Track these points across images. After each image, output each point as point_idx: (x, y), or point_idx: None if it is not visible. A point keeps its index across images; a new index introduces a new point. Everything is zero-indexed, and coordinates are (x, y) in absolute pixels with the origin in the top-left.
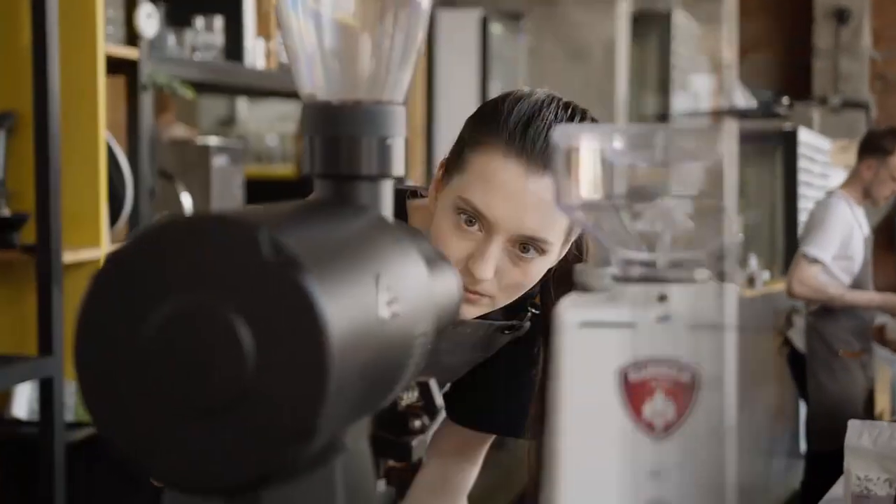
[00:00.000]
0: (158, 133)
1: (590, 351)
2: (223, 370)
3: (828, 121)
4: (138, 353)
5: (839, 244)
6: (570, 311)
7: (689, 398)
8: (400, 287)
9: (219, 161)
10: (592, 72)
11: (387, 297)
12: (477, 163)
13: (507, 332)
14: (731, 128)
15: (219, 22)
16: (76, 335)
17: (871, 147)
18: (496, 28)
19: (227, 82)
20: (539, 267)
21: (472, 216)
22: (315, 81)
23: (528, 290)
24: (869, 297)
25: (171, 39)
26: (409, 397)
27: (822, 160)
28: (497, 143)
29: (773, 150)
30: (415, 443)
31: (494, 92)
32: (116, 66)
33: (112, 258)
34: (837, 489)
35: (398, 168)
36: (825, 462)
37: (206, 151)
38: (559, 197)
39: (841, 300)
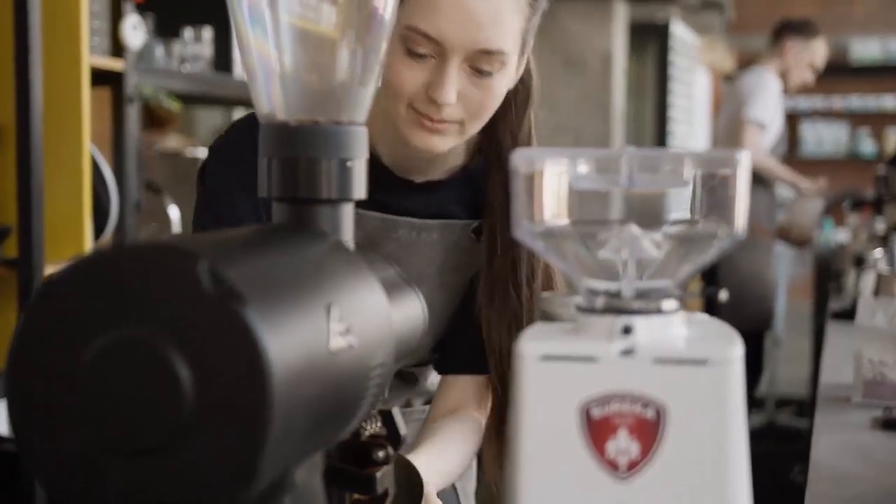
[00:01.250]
0: (152, 144)
1: (551, 385)
2: (160, 407)
3: (686, 19)
4: (72, 386)
5: (772, 110)
6: (530, 343)
7: (654, 436)
8: (355, 317)
9: None
10: (590, 83)
11: (339, 327)
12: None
13: (473, 234)
14: (623, 10)
15: (207, 33)
16: (8, 364)
17: (796, 28)
18: None
19: (216, 94)
20: (500, 84)
21: (421, 44)
22: (273, 100)
23: (494, 109)
24: (793, 176)
25: (160, 50)
26: (373, 427)
27: (690, 56)
28: None
29: (645, 41)
30: (379, 474)
31: None
32: (102, 77)
33: (47, 285)
34: (842, 378)
35: (359, 191)
36: None
37: (195, 164)
38: (518, 223)
39: (779, 173)
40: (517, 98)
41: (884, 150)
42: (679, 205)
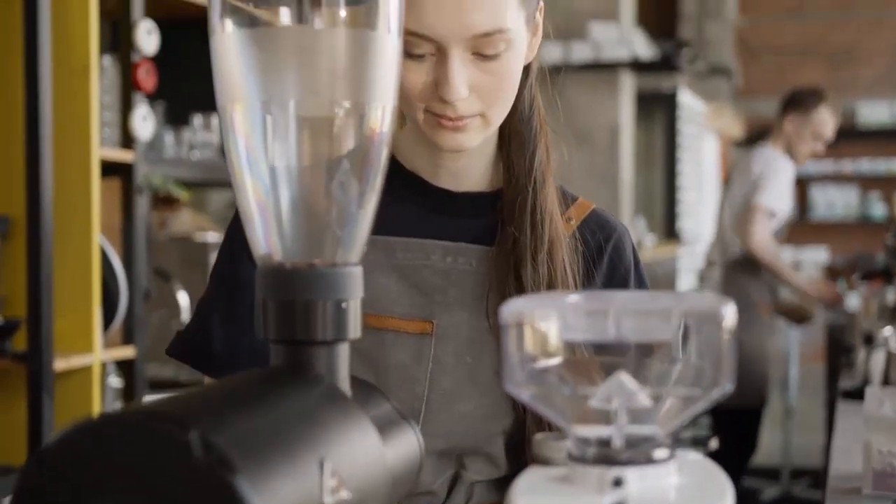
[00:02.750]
0: (163, 223)
1: None
2: None
3: (693, 85)
4: None
5: (785, 199)
6: (523, 498)
7: None
8: (349, 468)
9: None
10: (597, 155)
11: (333, 482)
12: None
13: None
14: (630, 81)
15: (216, 120)
16: None
17: (796, 103)
18: None
19: (225, 179)
20: (513, 63)
21: (416, 45)
22: (269, 243)
23: (515, 91)
24: (805, 283)
25: (169, 138)
26: None
27: (698, 122)
28: None
29: (652, 110)
30: None
31: None
32: (112, 168)
33: (41, 453)
34: (852, 465)
35: (355, 330)
36: (730, 418)
37: (204, 249)
38: (506, 375)
39: (784, 276)
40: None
41: (894, 212)
42: (669, 354)
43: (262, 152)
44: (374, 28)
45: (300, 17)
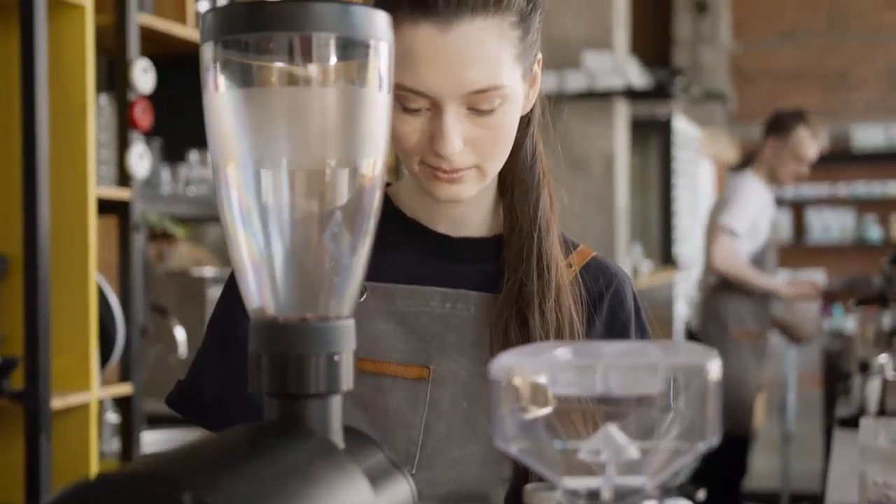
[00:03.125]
0: (160, 255)
1: None
2: None
3: (688, 111)
4: None
5: (751, 219)
6: None
7: None
8: None
9: (214, 293)
10: (593, 183)
11: None
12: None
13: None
14: (624, 110)
15: None
16: None
17: (774, 126)
18: None
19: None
20: (509, 116)
21: (411, 100)
22: (262, 297)
23: (511, 143)
24: (779, 285)
25: (166, 174)
26: None
27: (693, 148)
28: (401, 13)
29: (647, 136)
30: None
31: None
32: (108, 206)
33: None
34: (848, 495)
35: (347, 382)
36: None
37: (201, 283)
38: (496, 429)
39: (754, 283)
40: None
41: (890, 235)
42: (657, 407)
43: (255, 208)
44: (365, 85)
45: (292, 77)
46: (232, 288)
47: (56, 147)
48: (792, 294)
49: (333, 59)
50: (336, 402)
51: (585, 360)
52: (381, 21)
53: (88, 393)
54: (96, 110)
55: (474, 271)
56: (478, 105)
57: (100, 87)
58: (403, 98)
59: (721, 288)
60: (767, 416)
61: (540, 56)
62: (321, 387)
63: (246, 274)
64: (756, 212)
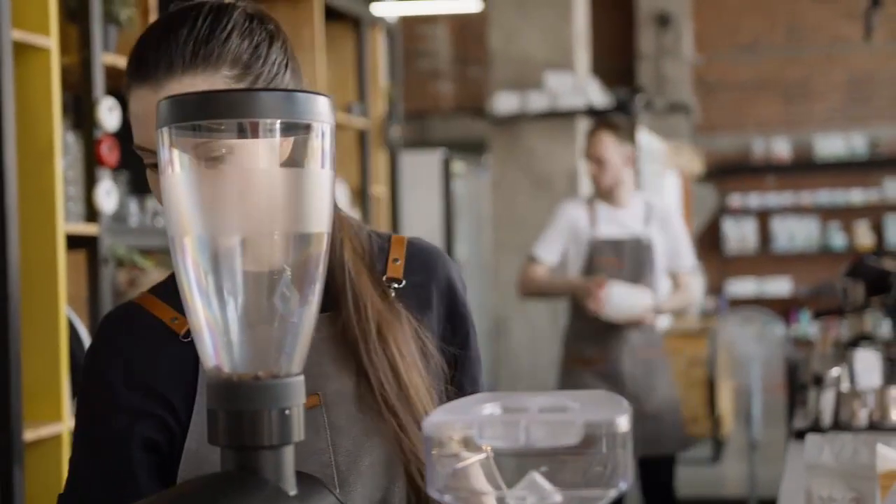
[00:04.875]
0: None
1: None
2: None
3: (653, 124)
4: None
5: (562, 244)
6: None
7: None
8: None
9: None
10: (556, 201)
11: None
12: (130, 109)
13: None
14: (586, 128)
15: None
16: None
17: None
18: (458, 166)
19: None
20: (294, 147)
21: (147, 156)
22: (219, 357)
23: None
24: (566, 282)
25: (134, 206)
26: None
27: (659, 161)
28: (130, 80)
29: None
30: None
31: (459, 227)
32: (77, 241)
33: None
34: None
35: (298, 433)
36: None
37: None
38: (428, 479)
39: (556, 288)
40: None
41: (854, 242)
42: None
43: (209, 276)
44: (308, 164)
45: (240, 158)
46: (94, 394)
47: (25, 185)
48: (581, 287)
49: (279, 141)
50: (288, 452)
51: (510, 418)
52: (322, 105)
53: (60, 424)
54: (63, 148)
55: None
56: (207, 156)
57: (66, 126)
58: (143, 156)
59: (571, 316)
60: (734, 424)
61: None
62: (274, 439)
63: (203, 336)
64: (563, 237)
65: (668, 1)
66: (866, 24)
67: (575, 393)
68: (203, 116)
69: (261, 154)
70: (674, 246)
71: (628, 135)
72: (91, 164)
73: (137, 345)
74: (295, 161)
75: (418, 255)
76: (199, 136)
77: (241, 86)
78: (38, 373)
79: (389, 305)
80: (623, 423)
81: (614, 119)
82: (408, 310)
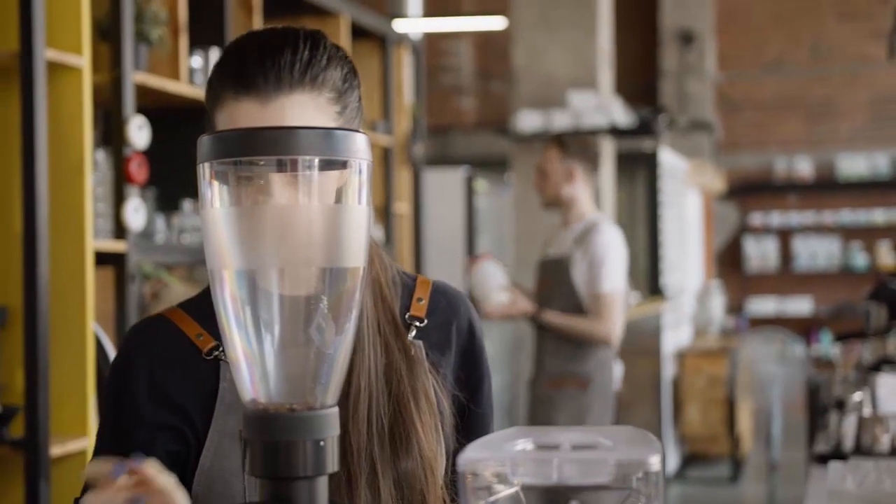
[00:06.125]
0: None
1: None
2: None
3: (675, 142)
4: None
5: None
6: None
7: None
8: None
9: None
10: None
11: None
12: (221, 122)
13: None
14: (609, 146)
15: None
16: None
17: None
18: (481, 185)
19: None
20: (329, 185)
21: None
22: (255, 389)
23: None
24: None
25: (161, 223)
26: None
27: (680, 179)
28: (226, 93)
29: (634, 169)
30: None
31: (481, 244)
32: (105, 258)
33: None
34: None
35: (333, 465)
36: None
37: None
38: None
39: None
40: None
41: (876, 262)
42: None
43: (247, 309)
44: (346, 200)
45: (279, 194)
46: (118, 391)
47: (55, 202)
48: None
49: (317, 178)
50: (322, 483)
51: (543, 454)
52: (360, 142)
53: (86, 439)
54: (93, 166)
55: None
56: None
57: (96, 143)
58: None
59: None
60: (753, 444)
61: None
62: (309, 470)
63: (240, 368)
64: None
65: (692, 19)
66: (890, 44)
67: (606, 429)
68: (244, 153)
69: (300, 190)
70: (592, 269)
71: (580, 154)
72: (120, 182)
73: (161, 357)
74: (333, 197)
75: (442, 297)
76: (239, 173)
77: (337, 110)
78: (65, 388)
79: (403, 343)
80: (655, 462)
81: (567, 137)
82: (427, 349)
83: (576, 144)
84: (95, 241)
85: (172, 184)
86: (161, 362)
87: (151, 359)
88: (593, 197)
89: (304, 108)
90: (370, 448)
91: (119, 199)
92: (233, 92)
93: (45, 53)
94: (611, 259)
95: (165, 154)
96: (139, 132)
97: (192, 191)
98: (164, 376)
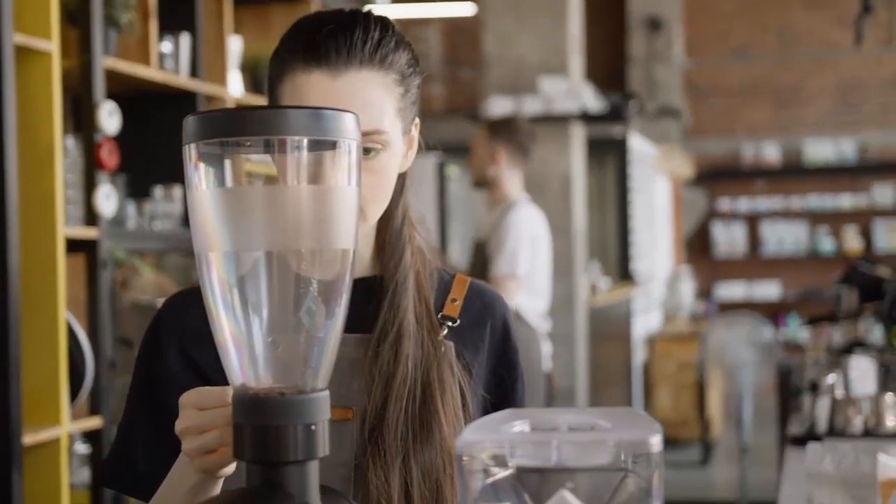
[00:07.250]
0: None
1: None
2: None
3: (644, 127)
4: None
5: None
6: None
7: None
8: None
9: None
10: (550, 204)
11: None
12: (286, 94)
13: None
14: (580, 132)
15: (178, 191)
16: None
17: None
18: (452, 171)
19: (186, 248)
20: (390, 163)
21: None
22: (244, 373)
23: (389, 193)
24: None
25: (132, 210)
26: None
27: (649, 164)
28: (295, 64)
29: (603, 155)
30: None
31: (453, 232)
32: (76, 245)
33: None
34: None
35: (324, 448)
36: None
37: None
38: (462, 497)
39: None
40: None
41: (842, 247)
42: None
43: (235, 292)
44: (334, 180)
45: (267, 175)
46: (151, 354)
47: (25, 189)
48: None
49: (305, 159)
50: (313, 467)
51: (541, 436)
52: (348, 122)
53: (59, 428)
54: (63, 152)
55: (356, 312)
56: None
57: (66, 129)
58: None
59: None
60: (723, 427)
61: (418, 122)
62: (299, 454)
63: (229, 353)
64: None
65: (660, 6)
66: (857, 31)
67: (603, 410)
68: (231, 133)
69: (288, 170)
70: (494, 250)
71: (506, 138)
72: (90, 169)
73: (192, 326)
74: (321, 178)
75: (477, 298)
76: (225, 154)
77: (401, 92)
78: (38, 376)
79: (433, 338)
80: (656, 442)
81: (497, 121)
82: (460, 347)
83: (503, 128)
84: (66, 227)
85: (143, 170)
86: (191, 336)
87: (181, 334)
88: (521, 180)
89: (372, 85)
90: (406, 431)
91: (90, 186)
92: (303, 63)
93: (13, 38)
94: (512, 241)
95: (136, 140)
96: (110, 118)
97: (164, 177)
98: (195, 350)
